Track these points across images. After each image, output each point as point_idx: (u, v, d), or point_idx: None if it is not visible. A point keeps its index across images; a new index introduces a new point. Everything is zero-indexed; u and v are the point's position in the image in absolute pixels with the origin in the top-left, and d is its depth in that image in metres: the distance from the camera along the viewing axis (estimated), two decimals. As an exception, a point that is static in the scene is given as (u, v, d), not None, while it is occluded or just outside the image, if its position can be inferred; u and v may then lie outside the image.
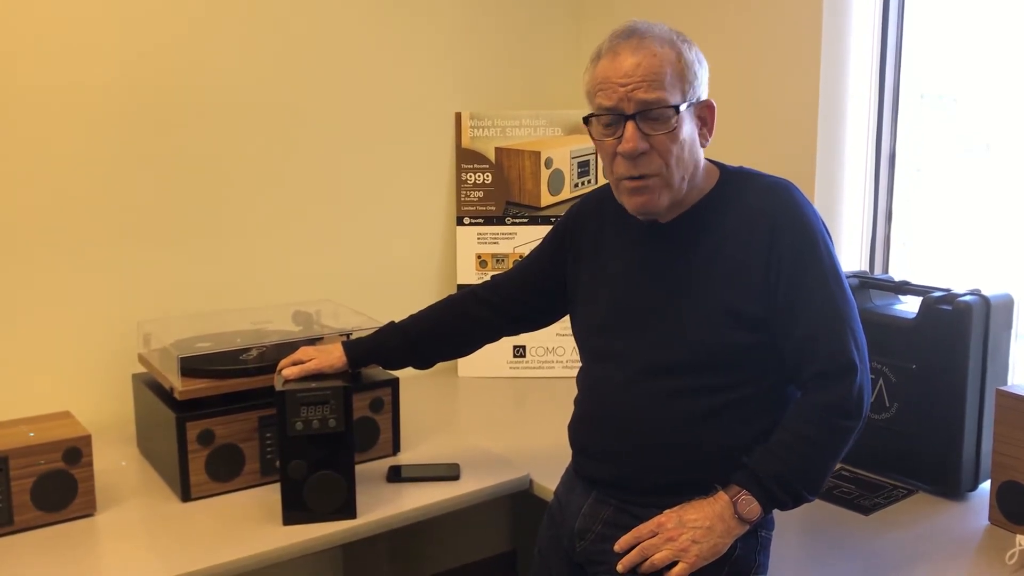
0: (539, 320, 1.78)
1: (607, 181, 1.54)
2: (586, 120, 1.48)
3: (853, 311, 1.44)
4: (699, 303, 1.44)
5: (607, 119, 1.43)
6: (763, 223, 1.42)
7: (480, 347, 1.84)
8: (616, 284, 1.54)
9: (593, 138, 1.49)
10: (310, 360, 1.75)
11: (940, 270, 2.25)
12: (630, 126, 1.40)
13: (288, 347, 1.91)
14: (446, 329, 1.80)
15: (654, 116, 1.40)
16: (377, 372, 2.00)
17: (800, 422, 1.42)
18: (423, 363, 1.84)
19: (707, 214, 1.47)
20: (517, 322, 1.79)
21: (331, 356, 1.77)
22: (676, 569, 1.37)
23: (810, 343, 1.41)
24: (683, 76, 1.41)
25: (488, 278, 1.83)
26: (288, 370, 1.73)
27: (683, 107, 1.41)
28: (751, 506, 1.40)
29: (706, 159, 1.50)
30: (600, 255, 1.58)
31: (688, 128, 1.43)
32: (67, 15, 2.05)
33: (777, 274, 1.41)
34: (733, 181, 1.50)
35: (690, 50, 1.44)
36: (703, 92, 1.45)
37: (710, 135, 1.48)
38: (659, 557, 1.39)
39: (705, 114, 1.47)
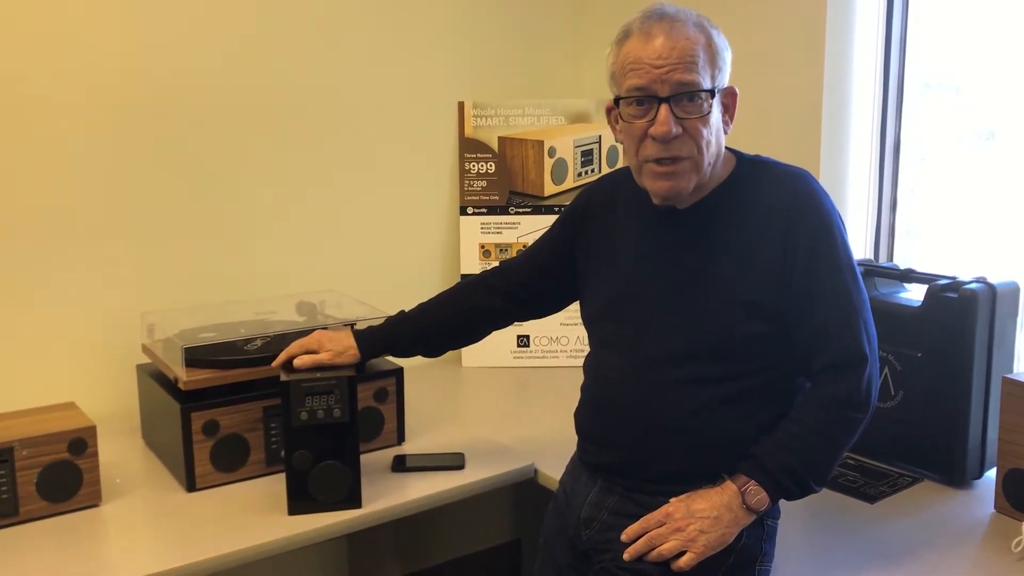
0: (550, 307, 1.77)
1: (614, 168, 1.53)
2: (616, 102, 1.46)
3: (866, 303, 1.44)
4: (713, 291, 1.44)
5: (638, 99, 1.41)
6: (779, 212, 1.42)
7: (489, 334, 1.83)
8: (628, 270, 1.53)
9: (621, 119, 1.46)
10: (323, 351, 1.74)
11: (945, 258, 2.25)
12: (664, 109, 1.39)
13: (293, 337, 1.90)
14: (457, 318, 1.80)
15: (689, 99, 1.39)
16: (381, 362, 1.99)
17: (809, 413, 1.42)
18: (433, 352, 1.84)
19: (723, 202, 1.47)
20: (528, 309, 1.79)
21: (342, 346, 1.75)
22: (683, 559, 1.37)
23: (822, 335, 1.41)
24: (714, 61, 1.41)
25: (493, 266, 1.83)
26: (299, 360, 1.72)
27: (715, 91, 1.41)
28: (759, 496, 1.39)
29: None
30: (612, 240, 1.56)
31: (716, 113, 1.43)
32: (69, 14, 2.04)
33: (792, 264, 1.40)
34: (749, 169, 1.49)
35: (719, 35, 1.44)
36: (727, 78, 1.46)
37: (731, 122, 1.48)
38: (666, 547, 1.39)
39: (728, 101, 1.47)
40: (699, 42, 1.40)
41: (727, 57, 1.44)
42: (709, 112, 1.41)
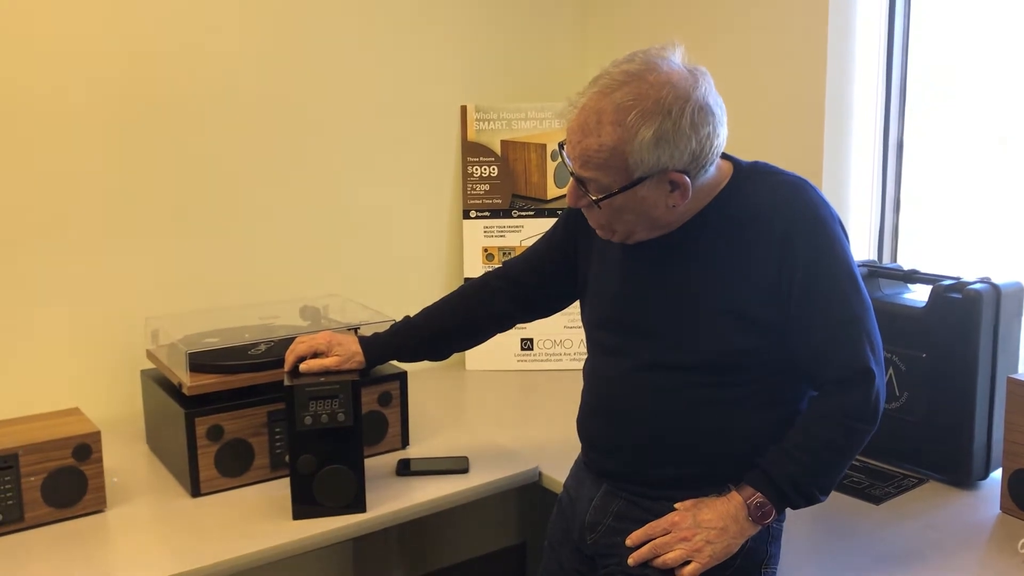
0: (554, 306, 1.76)
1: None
2: None
3: (868, 313, 1.40)
4: (707, 306, 1.41)
5: None
6: (775, 226, 1.38)
7: (495, 335, 1.82)
8: (622, 281, 1.51)
9: None
10: (331, 354, 1.73)
11: (949, 259, 2.24)
12: (572, 181, 1.40)
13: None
14: (463, 323, 1.78)
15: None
16: (385, 366, 1.99)
17: (815, 424, 1.41)
18: (439, 357, 1.83)
19: (717, 215, 1.42)
20: (532, 309, 1.77)
21: (348, 352, 1.75)
22: (688, 568, 1.37)
23: (825, 351, 1.39)
24: (633, 159, 1.32)
25: (495, 267, 1.82)
26: (305, 364, 1.72)
27: (618, 187, 1.35)
28: (765, 508, 1.39)
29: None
30: (609, 248, 1.55)
31: (641, 195, 1.36)
32: (70, 12, 2.04)
33: (790, 279, 1.37)
34: (746, 179, 1.44)
35: (660, 123, 1.30)
36: (675, 162, 1.33)
37: (682, 200, 1.37)
38: (672, 556, 1.38)
39: (677, 181, 1.35)
40: (610, 143, 1.32)
41: (665, 147, 1.31)
42: (610, 203, 1.36)
